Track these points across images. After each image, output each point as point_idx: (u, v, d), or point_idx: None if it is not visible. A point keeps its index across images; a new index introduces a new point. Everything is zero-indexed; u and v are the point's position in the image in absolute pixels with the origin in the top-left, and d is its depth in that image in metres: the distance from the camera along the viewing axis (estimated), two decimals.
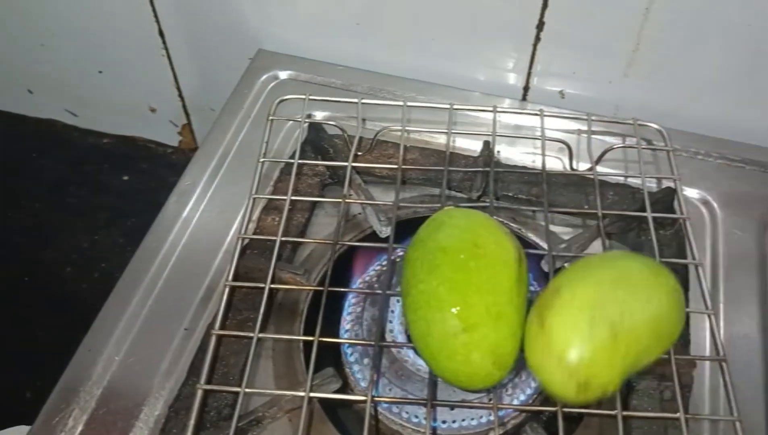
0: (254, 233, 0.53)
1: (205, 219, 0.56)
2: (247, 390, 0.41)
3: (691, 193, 0.58)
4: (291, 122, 0.61)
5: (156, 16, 0.70)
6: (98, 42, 0.76)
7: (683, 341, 0.48)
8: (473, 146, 0.60)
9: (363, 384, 0.46)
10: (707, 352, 0.49)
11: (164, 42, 0.73)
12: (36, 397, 0.50)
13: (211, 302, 0.51)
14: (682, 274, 0.51)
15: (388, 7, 0.63)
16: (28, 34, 0.78)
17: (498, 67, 0.63)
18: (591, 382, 0.36)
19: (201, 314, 0.50)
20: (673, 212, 0.53)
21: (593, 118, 0.55)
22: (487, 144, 0.57)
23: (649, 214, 0.48)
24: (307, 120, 0.56)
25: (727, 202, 0.57)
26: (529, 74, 0.63)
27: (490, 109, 0.55)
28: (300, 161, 0.54)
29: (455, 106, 0.55)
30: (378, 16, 0.64)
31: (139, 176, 0.86)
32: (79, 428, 0.44)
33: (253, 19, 0.67)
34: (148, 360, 0.48)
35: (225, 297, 0.45)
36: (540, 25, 0.58)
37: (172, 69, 0.76)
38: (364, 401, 0.40)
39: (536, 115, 0.55)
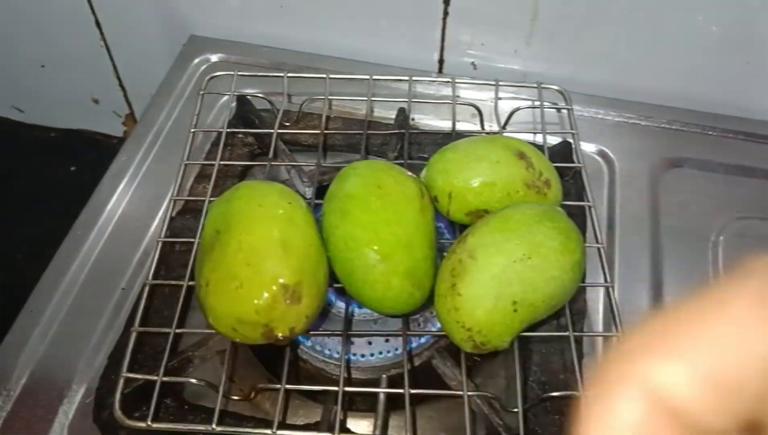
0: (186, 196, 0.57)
1: (141, 190, 0.59)
2: (177, 331, 0.45)
3: (590, 147, 0.63)
4: (222, 100, 0.65)
5: (92, 7, 0.74)
6: (39, 36, 0.79)
7: None
8: (392, 115, 0.64)
9: None
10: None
11: (101, 33, 0.76)
12: None
13: (147, 262, 0.54)
14: (580, 218, 0.56)
15: None
16: None
17: (413, 42, 0.68)
18: (486, 344, 0.42)
19: (138, 274, 0.54)
20: (572, 163, 0.58)
21: (501, 83, 0.60)
22: (402, 110, 0.61)
23: None
24: (236, 93, 0.60)
25: (622, 154, 0.63)
26: (442, 48, 0.68)
27: (406, 78, 0.61)
28: (229, 130, 0.58)
29: (374, 77, 0.60)
30: None
31: (86, 167, 0.88)
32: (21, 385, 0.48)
33: (184, 6, 0.71)
34: (88, 316, 0.51)
35: (158, 252, 0.49)
36: (447, 0, 0.64)
37: (111, 59, 0.79)
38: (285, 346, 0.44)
39: (448, 82, 0.61)
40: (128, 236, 0.56)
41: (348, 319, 0.48)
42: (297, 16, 0.69)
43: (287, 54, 0.70)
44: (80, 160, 0.89)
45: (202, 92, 0.59)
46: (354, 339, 0.49)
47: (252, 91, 0.66)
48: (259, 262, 0.41)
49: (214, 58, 0.70)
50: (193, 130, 0.56)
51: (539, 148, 0.59)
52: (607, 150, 0.63)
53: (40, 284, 0.53)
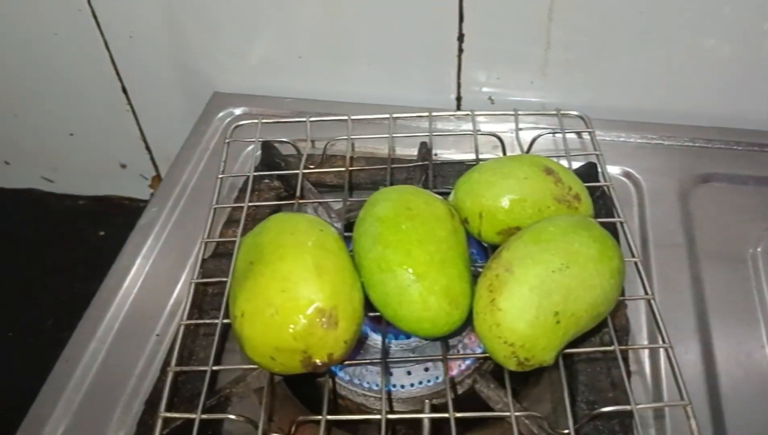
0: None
1: (171, 239, 0.60)
2: (214, 368, 0.45)
3: (615, 169, 0.63)
4: (248, 149, 0.67)
5: (118, 73, 0.76)
6: (67, 106, 0.82)
7: None
8: (414, 152, 0.65)
9: None
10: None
11: (128, 98, 0.79)
12: None
13: (181, 308, 0.54)
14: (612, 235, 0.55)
15: (325, 39, 0.69)
16: (1, 106, 0.83)
17: (430, 83, 0.70)
18: (530, 360, 0.41)
19: (171, 321, 0.54)
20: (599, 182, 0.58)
21: (520, 113, 0.61)
22: (424, 144, 0.62)
23: None
24: (261, 139, 0.61)
25: (649, 173, 0.62)
26: (459, 85, 0.69)
27: (426, 114, 0.62)
28: (256, 174, 0.59)
29: (394, 115, 0.61)
30: (317, 48, 0.70)
31: (115, 231, 0.90)
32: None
33: (206, 66, 0.74)
34: (123, 364, 0.51)
35: (191, 294, 0.49)
36: (461, 37, 0.65)
37: (138, 123, 0.81)
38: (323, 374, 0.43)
39: (468, 115, 0.61)
40: (160, 285, 0.57)
41: (385, 350, 0.47)
42: (316, 67, 0.71)
43: (308, 103, 0.72)
44: (109, 225, 0.91)
45: (228, 140, 0.60)
46: (392, 370, 0.48)
47: (276, 137, 0.67)
48: (294, 288, 0.41)
49: (237, 111, 0.72)
50: (221, 175, 0.57)
51: None
52: (632, 171, 0.63)
53: (75, 334, 0.53)
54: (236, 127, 0.61)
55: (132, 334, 0.53)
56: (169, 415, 0.43)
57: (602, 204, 0.58)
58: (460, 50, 0.66)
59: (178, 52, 0.73)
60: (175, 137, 0.81)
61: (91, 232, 0.90)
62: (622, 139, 0.66)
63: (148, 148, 0.84)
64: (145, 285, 0.56)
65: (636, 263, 0.49)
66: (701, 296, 0.54)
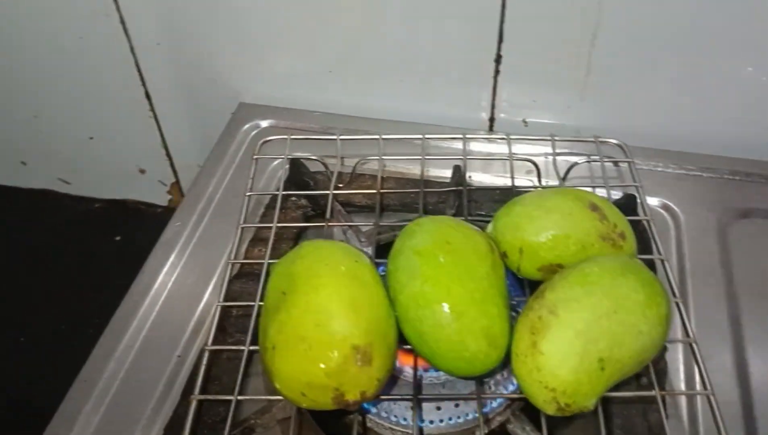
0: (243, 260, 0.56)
1: (194, 256, 0.58)
2: (239, 398, 0.43)
3: (654, 201, 0.61)
4: (274, 163, 0.65)
5: (142, 79, 0.75)
6: (88, 108, 0.80)
7: None
8: (446, 174, 0.63)
9: None
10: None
11: (151, 104, 0.77)
12: None
13: (203, 328, 0.53)
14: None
15: (358, 54, 0.68)
16: (22, 107, 0.82)
17: (464, 101, 0.68)
18: (571, 405, 0.39)
19: (193, 341, 0.52)
20: (637, 216, 0.56)
21: (556, 138, 0.59)
22: (458, 168, 0.60)
23: None
24: (289, 156, 0.60)
25: (687, 206, 0.61)
26: (492, 106, 0.68)
27: (460, 136, 0.60)
28: (284, 193, 0.57)
29: (427, 136, 0.59)
30: (349, 62, 0.68)
31: (131, 236, 0.88)
32: None
33: (233, 75, 0.72)
34: (143, 386, 0.49)
35: (216, 316, 0.48)
36: (498, 59, 0.63)
37: (160, 129, 0.80)
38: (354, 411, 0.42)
39: (503, 139, 0.59)
40: (182, 303, 0.55)
41: (417, 384, 0.45)
42: (346, 81, 0.70)
43: (336, 117, 0.70)
44: (125, 230, 0.89)
45: (255, 156, 0.58)
46: (422, 404, 0.47)
47: (304, 154, 0.66)
48: (328, 322, 0.39)
49: (264, 123, 0.70)
50: (248, 193, 0.55)
51: None
52: (670, 203, 0.61)
53: (93, 353, 0.51)
54: (264, 142, 0.59)
55: (152, 355, 0.51)
56: None
57: (639, 238, 0.56)
58: (497, 71, 0.64)
59: (205, 61, 0.72)
60: (197, 145, 0.80)
61: (106, 236, 0.89)
62: (660, 169, 0.64)
63: (168, 155, 0.83)
64: (167, 303, 0.55)
65: (677, 304, 0.48)
66: (740, 338, 0.52)
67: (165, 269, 0.57)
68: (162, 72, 0.74)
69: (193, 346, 0.52)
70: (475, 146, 0.65)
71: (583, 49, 0.61)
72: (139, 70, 0.74)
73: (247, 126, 0.70)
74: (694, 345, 0.45)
